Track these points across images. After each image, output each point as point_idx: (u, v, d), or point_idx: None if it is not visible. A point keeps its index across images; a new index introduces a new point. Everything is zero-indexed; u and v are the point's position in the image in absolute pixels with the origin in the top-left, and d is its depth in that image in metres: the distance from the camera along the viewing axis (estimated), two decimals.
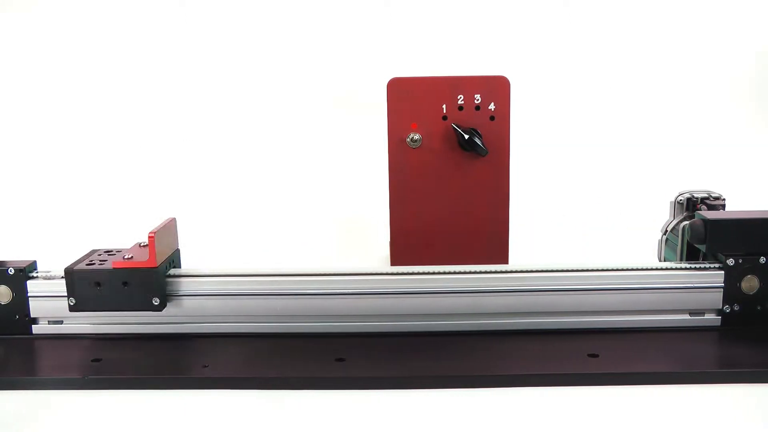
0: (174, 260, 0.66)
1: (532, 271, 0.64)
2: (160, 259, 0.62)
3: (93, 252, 0.66)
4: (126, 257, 0.62)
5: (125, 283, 0.61)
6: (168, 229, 0.65)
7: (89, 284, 0.61)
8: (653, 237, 0.75)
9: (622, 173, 1.09)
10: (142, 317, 0.64)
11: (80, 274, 0.61)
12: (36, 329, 0.65)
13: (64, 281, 0.64)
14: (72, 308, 0.62)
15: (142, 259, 0.61)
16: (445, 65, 1.08)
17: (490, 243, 0.74)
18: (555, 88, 1.11)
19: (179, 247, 0.68)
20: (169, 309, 0.64)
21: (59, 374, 0.58)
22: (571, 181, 1.09)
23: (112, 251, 0.66)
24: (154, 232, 0.61)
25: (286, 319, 0.64)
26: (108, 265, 0.62)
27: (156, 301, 0.62)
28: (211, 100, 1.12)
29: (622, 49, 1.11)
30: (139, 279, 0.61)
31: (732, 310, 0.63)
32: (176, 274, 0.65)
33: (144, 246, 0.64)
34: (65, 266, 0.62)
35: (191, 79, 1.11)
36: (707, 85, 1.12)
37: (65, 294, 0.64)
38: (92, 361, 0.60)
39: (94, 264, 0.62)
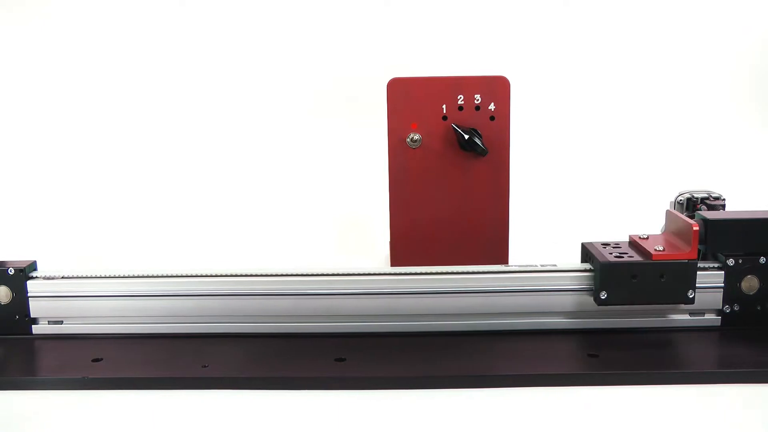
0: None
1: (532, 271, 0.64)
2: None
3: (590, 246, 0.65)
4: (657, 249, 0.61)
5: (662, 276, 0.60)
6: None
7: (626, 277, 0.61)
8: None
9: (622, 173, 1.09)
10: (142, 317, 0.64)
11: (618, 267, 0.61)
12: (36, 329, 0.65)
13: (64, 281, 0.64)
14: (602, 302, 0.61)
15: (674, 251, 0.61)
16: (445, 65, 1.08)
17: (490, 243, 0.74)
18: (555, 88, 1.11)
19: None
20: (170, 309, 0.64)
21: (59, 374, 0.58)
22: (571, 181, 1.09)
23: (610, 243, 0.65)
24: (696, 224, 0.60)
25: (286, 319, 0.64)
26: (640, 258, 0.61)
27: (691, 294, 0.61)
28: (210, 100, 1.12)
29: (622, 48, 1.11)
30: (677, 271, 0.60)
31: (732, 310, 0.63)
32: (172, 274, 0.65)
33: (644, 238, 0.64)
34: (601, 261, 0.61)
35: (191, 78, 1.11)
36: (707, 85, 1.12)
37: (66, 294, 0.64)
38: (92, 361, 0.60)
39: (622, 258, 0.61)
